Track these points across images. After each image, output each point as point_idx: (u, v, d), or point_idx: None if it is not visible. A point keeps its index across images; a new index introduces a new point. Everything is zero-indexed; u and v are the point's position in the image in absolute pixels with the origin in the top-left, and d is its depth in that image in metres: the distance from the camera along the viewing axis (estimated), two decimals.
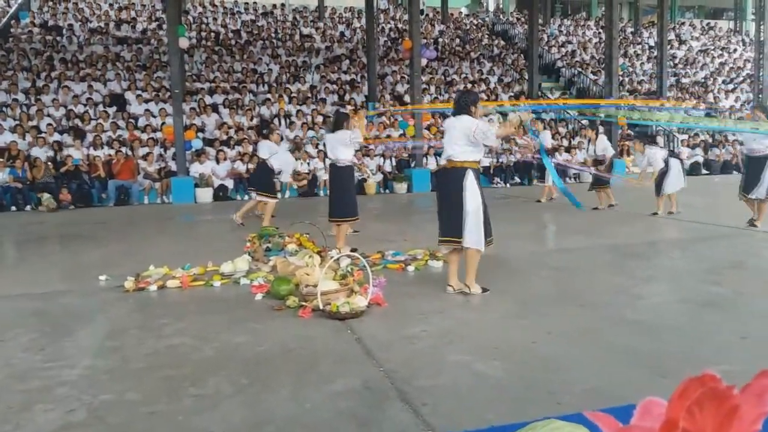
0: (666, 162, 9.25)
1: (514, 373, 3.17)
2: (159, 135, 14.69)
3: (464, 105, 4.83)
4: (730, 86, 23.60)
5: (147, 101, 16.03)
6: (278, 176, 9.15)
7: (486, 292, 4.81)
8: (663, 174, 9.24)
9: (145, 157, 13.75)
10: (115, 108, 15.62)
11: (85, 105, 15.41)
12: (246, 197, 13.67)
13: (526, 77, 21.27)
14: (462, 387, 3.00)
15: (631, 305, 4.50)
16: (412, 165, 15.29)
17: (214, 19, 23.42)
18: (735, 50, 27.73)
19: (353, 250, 6.48)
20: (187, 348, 3.68)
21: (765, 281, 5.28)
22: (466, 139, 4.71)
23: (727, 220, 8.18)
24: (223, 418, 2.72)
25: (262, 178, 8.89)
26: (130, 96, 16.20)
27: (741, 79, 24.16)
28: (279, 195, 9.25)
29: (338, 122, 6.87)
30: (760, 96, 17.77)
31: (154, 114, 15.53)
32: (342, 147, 6.74)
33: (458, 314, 4.36)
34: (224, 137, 14.96)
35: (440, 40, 24.12)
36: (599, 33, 26.29)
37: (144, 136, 14.55)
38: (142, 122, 15.20)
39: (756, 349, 3.47)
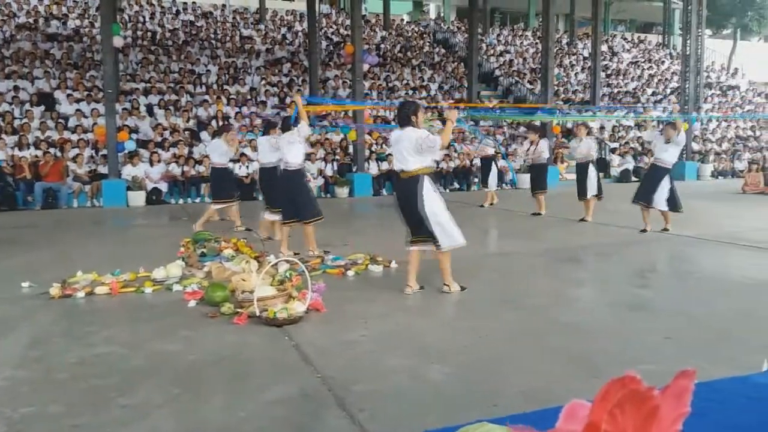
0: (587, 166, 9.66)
1: (453, 376, 3.19)
2: (90, 136, 14.16)
3: (406, 116, 4.94)
4: (659, 97, 24.68)
5: (78, 101, 15.43)
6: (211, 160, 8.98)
7: (464, 290, 5.02)
8: (583, 180, 9.57)
9: (75, 159, 13.21)
10: (43, 107, 14.96)
11: (10, 103, 14.68)
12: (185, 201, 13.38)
13: (466, 85, 21.63)
14: (401, 391, 2.99)
15: (565, 308, 4.62)
16: (354, 169, 15.28)
17: (151, 18, 22.79)
18: (663, 62, 29.03)
19: (296, 254, 6.41)
20: (115, 357, 3.54)
21: (686, 284, 5.53)
22: (415, 150, 4.81)
23: (652, 225, 8.52)
24: (153, 429, 2.62)
25: (222, 185, 8.83)
26: (59, 95, 15.55)
27: (668, 91, 25.30)
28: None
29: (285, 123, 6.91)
30: (686, 107, 18.63)
31: (85, 114, 14.96)
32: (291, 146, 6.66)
33: (398, 318, 4.36)
34: (159, 139, 14.56)
35: (382, 46, 24.25)
36: (536, 43, 27.02)
37: (74, 137, 13.99)
38: (72, 122, 14.61)
39: (679, 348, 3.62)
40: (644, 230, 8.25)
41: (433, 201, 4.85)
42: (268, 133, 7.81)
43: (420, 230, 4.91)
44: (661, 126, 8.92)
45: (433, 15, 35.22)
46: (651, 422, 0.54)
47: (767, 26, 32.73)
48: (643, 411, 0.53)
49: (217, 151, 8.83)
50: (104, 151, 13.33)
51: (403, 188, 5.00)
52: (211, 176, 9.28)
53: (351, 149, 15.82)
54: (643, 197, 8.26)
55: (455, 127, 5.48)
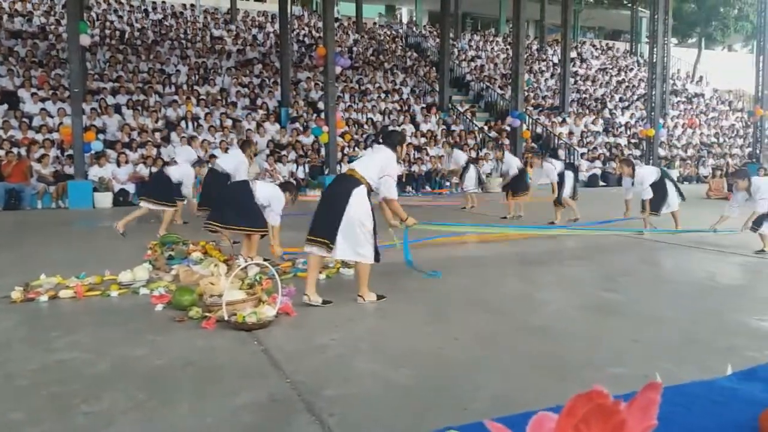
0: (561, 174, 9.77)
1: (423, 380, 3.19)
2: (56, 136, 13.86)
3: (393, 143, 4.93)
4: (626, 103, 25.13)
5: (43, 100, 15.10)
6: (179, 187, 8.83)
7: (382, 299, 4.82)
8: (559, 185, 9.74)
9: (40, 159, 12.92)
10: (6, 106, 14.60)
11: None
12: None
13: (438, 89, 21.75)
14: (371, 396, 2.98)
15: (534, 311, 4.66)
16: (326, 171, 15.23)
17: (119, 16, 22.44)
18: (631, 70, 29.59)
19: (265, 260, 6.33)
20: (79, 362, 3.45)
21: (654, 287, 5.62)
22: (379, 168, 4.75)
23: (621, 230, 8.67)
24: None
25: (161, 187, 8.68)
26: (24, 94, 15.21)
27: (636, 97, 25.79)
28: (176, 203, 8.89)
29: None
30: (653, 113, 19.00)
31: (51, 114, 14.64)
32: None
33: (368, 322, 4.35)
34: (126, 139, 14.33)
35: (354, 48, 24.25)
36: (507, 49, 27.30)
37: (39, 137, 13.68)
38: (37, 122, 14.29)
39: (646, 352, 3.67)
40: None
41: (362, 210, 4.57)
42: (244, 151, 7.70)
43: (323, 229, 4.60)
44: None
45: (405, 19, 35.34)
46: None
47: (730, 36, 33.61)
48: (610, 425, 0.53)
49: (182, 156, 8.80)
50: (70, 152, 13.07)
51: (339, 183, 4.77)
52: (157, 179, 9.15)
53: (323, 151, 15.76)
54: (655, 209, 8.54)
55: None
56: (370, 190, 4.73)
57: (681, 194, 8.81)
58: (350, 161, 15.71)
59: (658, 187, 8.46)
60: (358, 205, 4.56)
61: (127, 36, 20.47)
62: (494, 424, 0.69)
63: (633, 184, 8.58)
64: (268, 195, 6.13)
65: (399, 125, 18.44)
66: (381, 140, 5.11)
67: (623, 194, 8.97)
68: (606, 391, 0.56)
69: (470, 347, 3.75)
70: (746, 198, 7.26)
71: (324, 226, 4.63)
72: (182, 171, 8.87)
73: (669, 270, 6.54)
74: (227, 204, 6.20)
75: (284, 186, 6.54)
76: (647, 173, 8.56)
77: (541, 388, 3.06)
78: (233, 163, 7.61)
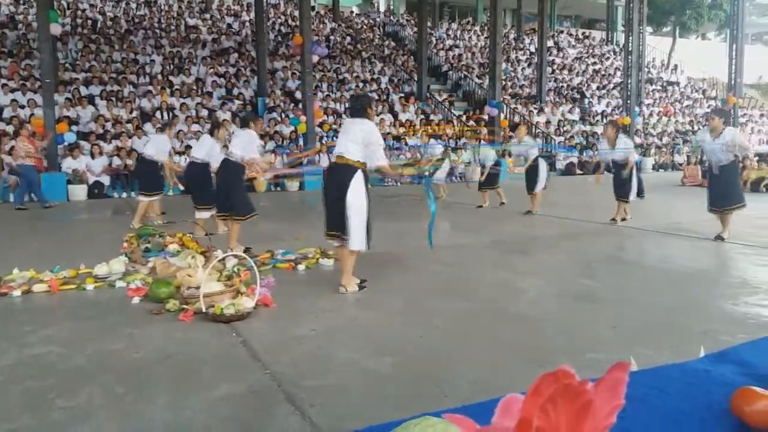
0: (536, 159, 9.77)
1: (403, 368, 3.20)
2: (27, 127, 13.56)
3: (361, 108, 4.84)
4: (603, 92, 25.33)
5: (13, 90, 14.79)
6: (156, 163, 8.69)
7: (363, 287, 4.86)
8: (535, 172, 9.71)
9: (10, 152, 12.66)
10: None
11: None
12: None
13: (416, 78, 21.71)
14: (351, 385, 2.98)
15: (514, 299, 4.69)
16: (305, 162, 15.16)
17: (91, 5, 22.01)
18: (607, 58, 29.80)
19: (247, 249, 6.29)
20: (54, 357, 3.40)
21: (631, 274, 5.69)
22: (362, 141, 4.69)
23: (598, 218, 8.75)
24: (95, 430, 2.53)
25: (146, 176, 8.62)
26: None
27: (612, 85, 26.00)
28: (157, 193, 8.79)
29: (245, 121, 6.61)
30: (629, 101, 19.19)
31: (21, 104, 14.34)
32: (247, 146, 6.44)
33: (348, 312, 4.35)
34: (100, 131, 14.10)
35: (332, 37, 24.09)
36: (484, 38, 27.32)
37: (10, 129, 13.40)
38: (7, 113, 13.99)
39: (624, 337, 3.72)
40: (615, 219, 8.48)
41: (359, 196, 4.66)
42: (212, 135, 7.61)
43: (335, 223, 4.72)
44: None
45: (382, 8, 35.18)
46: (584, 416, 0.53)
47: (704, 24, 33.97)
48: (576, 405, 0.53)
49: (158, 146, 8.63)
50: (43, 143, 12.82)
51: (334, 174, 4.78)
52: (142, 168, 9.03)
53: (301, 142, 15.68)
54: (622, 195, 8.47)
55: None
56: (365, 173, 4.74)
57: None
58: (329, 151, 15.69)
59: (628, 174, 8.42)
60: (356, 193, 4.63)
61: (99, 25, 20.09)
62: (453, 416, 0.69)
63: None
64: (239, 144, 6.27)
65: (378, 114, 18.39)
66: (350, 113, 5.01)
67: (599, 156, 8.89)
68: (572, 371, 0.56)
69: (451, 335, 3.77)
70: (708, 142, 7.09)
71: (335, 221, 4.71)
72: (157, 138, 8.76)
73: (645, 256, 6.63)
74: (219, 191, 6.44)
75: (244, 123, 6.52)
76: (629, 141, 8.58)
77: (520, 374, 3.09)
78: (204, 150, 7.49)
